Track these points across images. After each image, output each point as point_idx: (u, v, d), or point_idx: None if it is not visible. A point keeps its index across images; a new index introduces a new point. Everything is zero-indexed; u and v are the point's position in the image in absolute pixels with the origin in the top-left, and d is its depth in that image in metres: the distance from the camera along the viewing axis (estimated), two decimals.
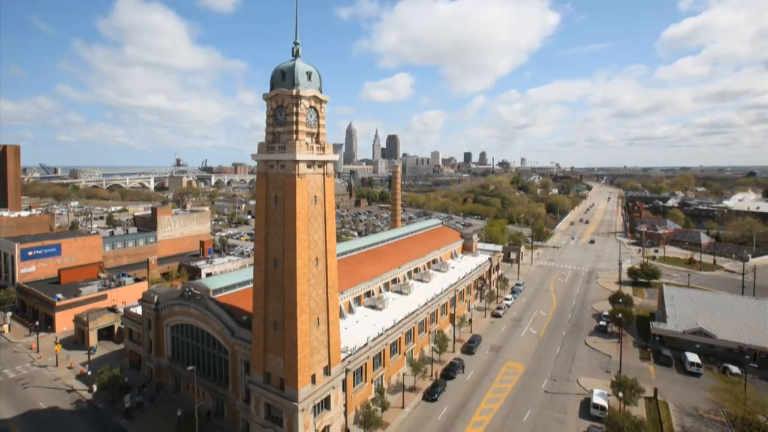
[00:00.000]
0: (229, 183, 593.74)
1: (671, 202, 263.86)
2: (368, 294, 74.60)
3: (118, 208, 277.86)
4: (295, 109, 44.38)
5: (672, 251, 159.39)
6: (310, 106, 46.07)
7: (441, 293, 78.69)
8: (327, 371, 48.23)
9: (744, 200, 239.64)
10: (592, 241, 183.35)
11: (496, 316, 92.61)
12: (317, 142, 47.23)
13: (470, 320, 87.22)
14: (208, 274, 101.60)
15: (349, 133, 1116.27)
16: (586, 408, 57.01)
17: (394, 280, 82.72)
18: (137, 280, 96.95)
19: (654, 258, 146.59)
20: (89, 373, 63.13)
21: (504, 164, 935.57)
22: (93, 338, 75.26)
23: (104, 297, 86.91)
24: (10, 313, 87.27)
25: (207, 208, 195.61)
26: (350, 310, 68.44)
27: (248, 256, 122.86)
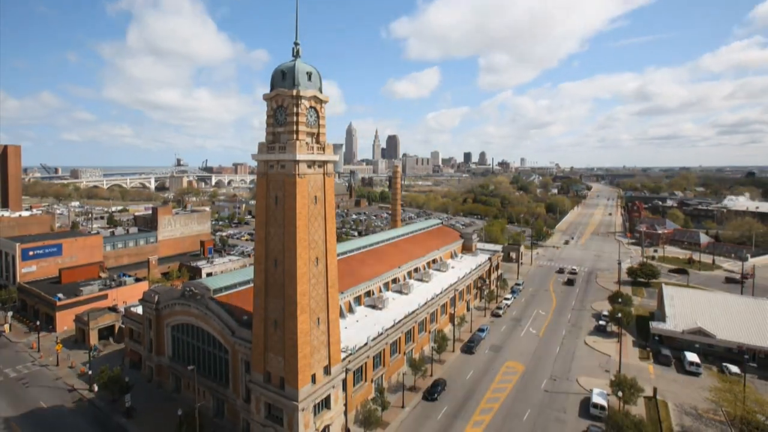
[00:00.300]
0: (229, 183, 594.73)
1: (670, 202, 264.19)
2: (368, 294, 74.76)
3: (119, 208, 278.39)
4: (295, 109, 44.50)
5: (671, 251, 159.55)
6: (310, 107, 46.22)
7: (441, 293, 78.86)
8: (327, 371, 48.36)
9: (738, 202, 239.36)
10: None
11: (495, 315, 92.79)
12: (317, 142, 47.36)
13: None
14: (209, 274, 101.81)
15: (349, 133, 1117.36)
16: (586, 407, 57.16)
17: (394, 280, 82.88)
18: (138, 279, 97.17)
19: (653, 258, 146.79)
20: (90, 372, 63.28)
21: (504, 164, 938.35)
22: (94, 338, 75.47)
23: (105, 297, 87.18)
24: (11, 313, 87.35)
25: (207, 208, 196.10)
26: (350, 310, 68.60)
27: (248, 255, 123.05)
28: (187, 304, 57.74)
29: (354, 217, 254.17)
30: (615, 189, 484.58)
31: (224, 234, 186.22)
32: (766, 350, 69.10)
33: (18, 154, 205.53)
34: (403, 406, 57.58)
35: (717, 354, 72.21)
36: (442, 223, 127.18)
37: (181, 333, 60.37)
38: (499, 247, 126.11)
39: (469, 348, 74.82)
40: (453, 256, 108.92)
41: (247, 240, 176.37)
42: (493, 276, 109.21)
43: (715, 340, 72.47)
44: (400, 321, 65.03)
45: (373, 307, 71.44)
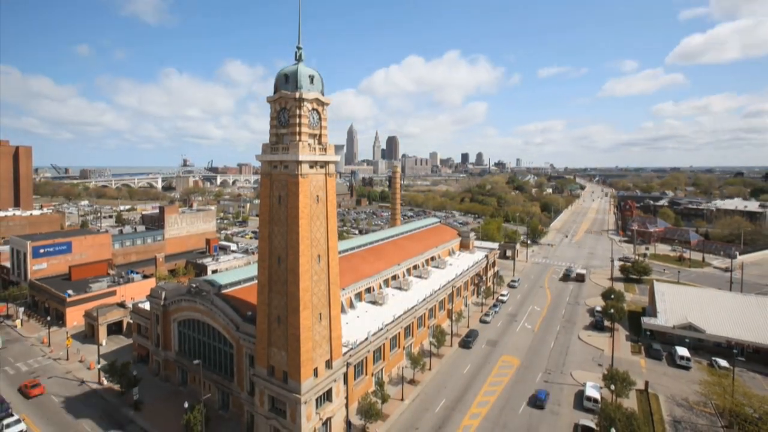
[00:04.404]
0: (234, 183, 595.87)
1: (662, 202, 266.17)
2: (369, 290, 76.38)
3: (127, 207, 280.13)
4: (297, 111, 45.53)
5: (662, 249, 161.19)
6: (313, 109, 47.29)
7: (439, 289, 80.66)
8: (329, 365, 49.64)
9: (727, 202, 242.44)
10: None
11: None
12: (319, 143, 48.39)
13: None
14: (214, 271, 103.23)
15: (350, 135, 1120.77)
16: (580, 400, 58.64)
17: (394, 277, 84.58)
18: (145, 276, 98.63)
19: (645, 255, 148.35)
20: (99, 366, 65.18)
21: (500, 165, 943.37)
22: (102, 333, 77.34)
23: (113, 293, 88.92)
24: (22, 309, 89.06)
25: (213, 207, 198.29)
26: (351, 306, 70.13)
27: (252, 253, 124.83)
28: (193, 300, 59.22)
29: (355, 215, 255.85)
30: (608, 188, 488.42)
31: (229, 232, 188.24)
32: (754, 345, 70.74)
33: (29, 154, 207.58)
34: (402, 399, 59.26)
35: (706, 348, 73.88)
36: (440, 221, 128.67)
37: (187, 328, 61.97)
38: (495, 245, 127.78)
39: (466, 343, 76.66)
40: (451, 253, 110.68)
41: (251, 238, 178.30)
42: (490, 273, 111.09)
43: (704, 334, 74.14)
44: (399, 317, 66.76)
45: (374, 303, 73.11)
